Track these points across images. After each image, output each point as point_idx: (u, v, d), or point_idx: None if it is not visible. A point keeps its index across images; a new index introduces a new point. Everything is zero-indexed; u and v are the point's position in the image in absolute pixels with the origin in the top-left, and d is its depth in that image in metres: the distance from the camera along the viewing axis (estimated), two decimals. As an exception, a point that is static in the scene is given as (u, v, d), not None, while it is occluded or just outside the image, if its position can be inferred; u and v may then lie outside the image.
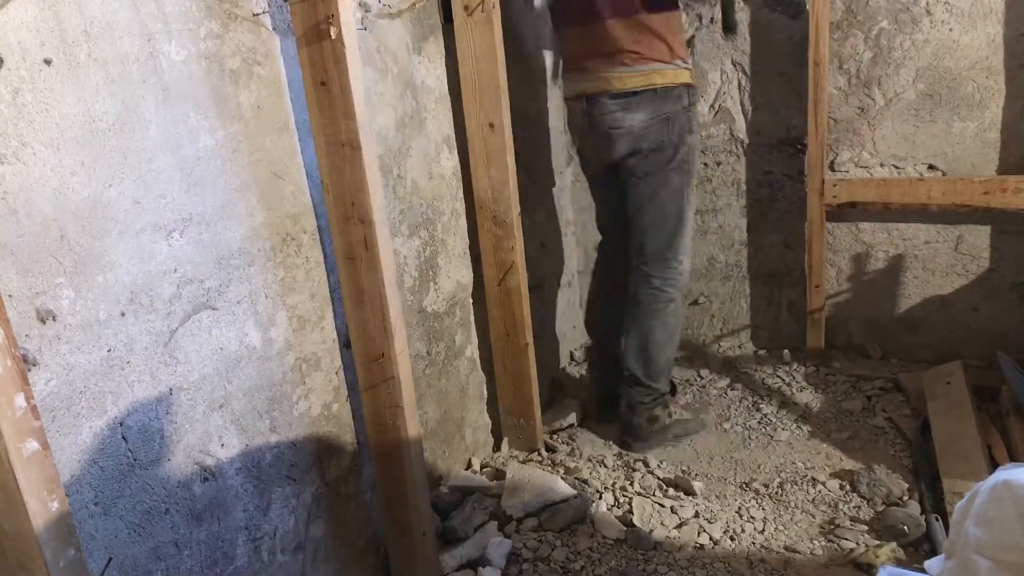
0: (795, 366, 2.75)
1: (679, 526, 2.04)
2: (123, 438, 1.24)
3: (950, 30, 2.37)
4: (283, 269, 1.54)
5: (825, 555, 1.90)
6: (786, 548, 1.93)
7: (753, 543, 1.97)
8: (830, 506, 2.06)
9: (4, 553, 1.01)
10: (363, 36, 1.75)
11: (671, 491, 2.18)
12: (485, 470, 2.30)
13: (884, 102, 2.51)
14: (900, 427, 2.35)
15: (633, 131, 2.16)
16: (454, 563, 1.90)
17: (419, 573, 1.80)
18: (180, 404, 1.34)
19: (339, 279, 1.65)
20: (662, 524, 2.05)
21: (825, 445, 2.32)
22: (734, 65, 2.66)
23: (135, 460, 1.26)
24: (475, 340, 2.31)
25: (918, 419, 2.35)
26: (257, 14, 1.45)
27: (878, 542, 1.90)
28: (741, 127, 2.71)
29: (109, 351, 1.21)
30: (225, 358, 1.42)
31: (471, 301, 2.27)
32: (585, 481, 2.22)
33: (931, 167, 2.52)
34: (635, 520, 2.05)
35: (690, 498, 2.14)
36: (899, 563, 1.81)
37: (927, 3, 2.37)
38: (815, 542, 1.94)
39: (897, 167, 2.56)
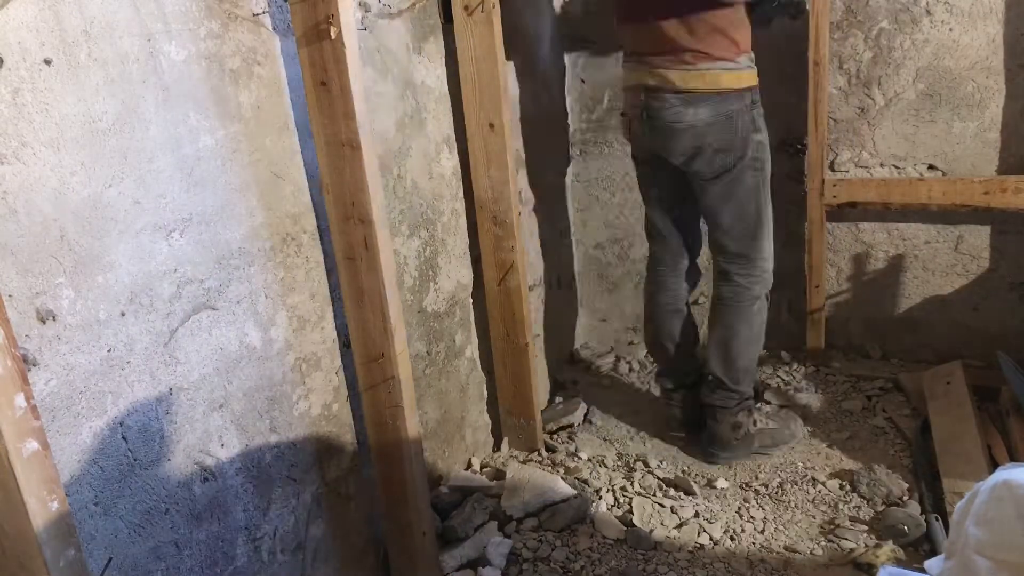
0: (795, 366, 2.75)
1: (679, 526, 2.04)
2: (123, 438, 1.24)
3: (950, 30, 2.37)
4: (283, 269, 1.54)
5: (825, 555, 1.90)
6: (786, 548, 1.93)
7: (753, 543, 1.97)
8: (830, 506, 2.06)
9: (4, 553, 1.01)
10: (363, 36, 1.75)
11: (671, 491, 2.18)
12: (485, 470, 2.30)
13: (884, 102, 2.51)
14: (900, 427, 2.35)
15: (696, 127, 2.02)
16: (454, 563, 1.90)
17: (419, 573, 1.80)
18: (180, 404, 1.34)
19: (339, 279, 1.65)
20: (662, 524, 2.05)
21: (825, 445, 2.32)
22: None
23: (135, 460, 1.26)
24: (475, 340, 2.31)
25: (918, 419, 2.35)
26: (257, 14, 1.45)
27: (878, 542, 1.90)
28: (741, 127, 2.71)
29: (109, 351, 1.21)
30: (225, 358, 1.42)
31: (471, 301, 2.27)
32: (585, 481, 2.22)
33: (931, 167, 2.52)
34: (635, 520, 2.05)
35: (690, 498, 2.14)
36: (899, 563, 1.81)
37: (927, 3, 2.37)
38: (815, 542, 1.94)
39: (897, 167, 2.56)
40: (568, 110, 2.88)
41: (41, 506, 0.98)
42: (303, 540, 1.64)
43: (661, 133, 2.08)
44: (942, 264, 2.59)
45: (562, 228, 2.90)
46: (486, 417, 2.40)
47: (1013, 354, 2.29)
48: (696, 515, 2.07)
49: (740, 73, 2.01)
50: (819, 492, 2.11)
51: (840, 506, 2.05)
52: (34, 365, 1.10)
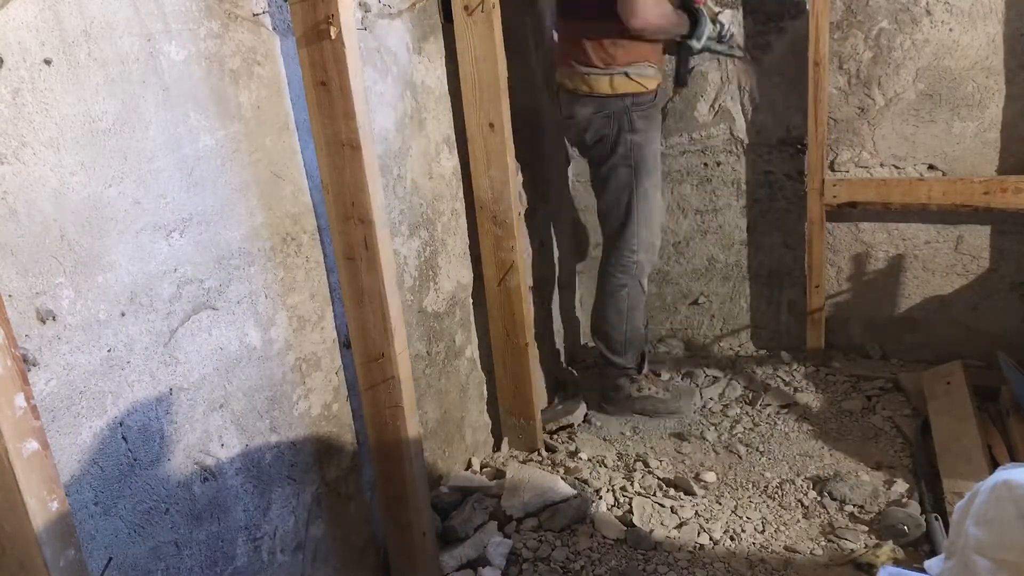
0: (795, 366, 2.75)
1: (679, 526, 2.04)
2: (123, 438, 1.24)
3: (950, 30, 2.37)
4: (283, 269, 1.54)
5: (825, 555, 1.90)
6: (786, 548, 1.93)
7: (753, 543, 1.97)
8: (830, 506, 2.06)
9: (4, 553, 1.01)
10: (363, 36, 1.75)
11: (671, 491, 2.18)
12: (485, 470, 2.30)
13: (884, 102, 2.51)
14: (900, 427, 2.35)
15: (580, 123, 2.37)
16: (454, 563, 1.90)
17: (419, 573, 1.80)
18: (180, 404, 1.34)
19: (339, 279, 1.65)
20: (662, 524, 2.05)
21: (825, 445, 2.32)
22: (734, 65, 2.65)
23: (135, 460, 1.26)
24: (475, 340, 2.31)
25: (918, 419, 2.35)
26: (257, 14, 1.45)
27: (878, 542, 1.90)
28: (741, 127, 2.71)
29: (109, 351, 1.21)
30: (225, 358, 1.42)
31: (471, 301, 2.28)
32: (585, 481, 2.22)
33: (931, 167, 2.52)
34: (635, 520, 2.05)
35: (690, 498, 2.14)
36: (899, 563, 1.81)
37: (927, 3, 2.37)
38: (815, 542, 1.94)
39: (897, 167, 2.56)
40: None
41: (41, 506, 0.98)
42: (303, 540, 1.64)
43: (564, 126, 2.50)
44: (942, 264, 2.59)
45: (562, 228, 2.90)
46: (486, 417, 2.40)
47: (1013, 354, 2.29)
48: (696, 515, 2.07)
49: (616, 80, 2.29)
50: (819, 492, 2.11)
51: (840, 506, 2.05)
52: (34, 365, 1.10)
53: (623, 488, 2.20)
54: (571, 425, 2.54)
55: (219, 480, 1.43)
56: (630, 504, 2.13)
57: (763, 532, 2.00)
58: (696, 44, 2.34)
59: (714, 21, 2.39)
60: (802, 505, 2.08)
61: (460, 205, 2.18)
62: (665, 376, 2.75)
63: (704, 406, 2.60)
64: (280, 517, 1.57)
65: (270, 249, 1.51)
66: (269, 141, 1.50)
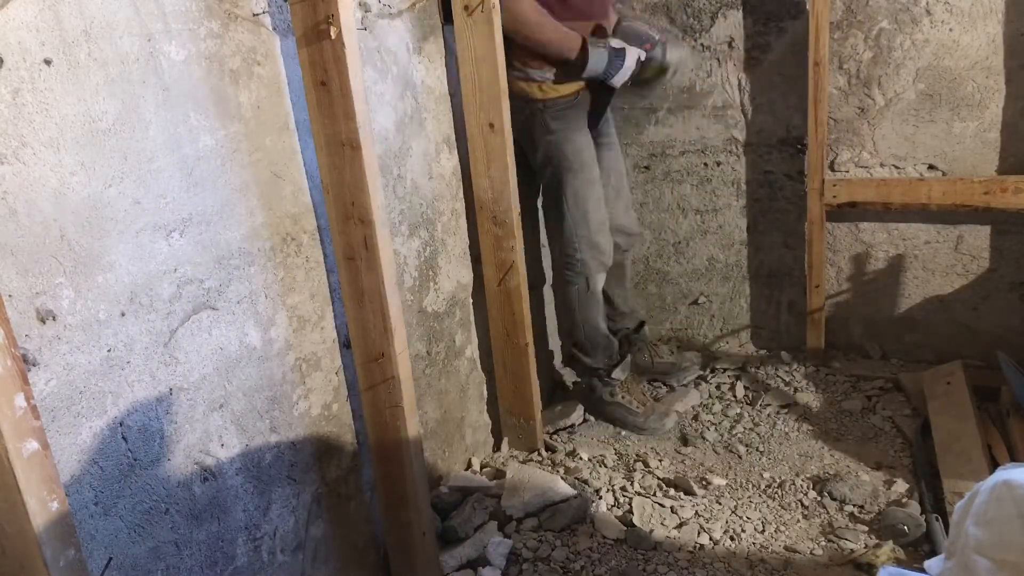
0: (795, 366, 2.75)
1: (679, 526, 2.04)
2: (123, 438, 1.24)
3: (950, 30, 2.37)
4: (283, 269, 1.54)
5: (825, 555, 1.90)
6: (786, 548, 1.93)
7: (753, 543, 1.97)
8: (830, 506, 2.06)
9: (4, 553, 1.01)
10: (363, 36, 1.75)
11: (671, 491, 2.18)
12: (485, 470, 2.30)
13: (884, 102, 2.51)
14: (900, 427, 2.35)
15: (514, 126, 2.21)
16: (454, 563, 1.90)
17: (419, 573, 1.80)
18: (180, 404, 1.34)
19: (339, 279, 1.65)
20: (662, 524, 2.05)
21: (825, 445, 2.32)
22: (734, 65, 2.66)
23: (135, 460, 1.26)
24: (475, 340, 2.31)
25: (918, 419, 2.35)
26: (257, 14, 1.45)
27: (878, 542, 1.90)
28: (741, 127, 2.71)
29: (109, 351, 1.21)
30: (225, 358, 1.42)
31: (471, 301, 2.28)
32: (585, 481, 2.22)
33: (931, 167, 2.52)
34: (635, 520, 2.05)
35: (690, 498, 2.14)
36: (899, 563, 1.81)
37: (927, 3, 2.37)
38: (815, 542, 1.95)
39: (897, 167, 2.56)
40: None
41: (41, 506, 0.98)
42: (303, 540, 1.64)
43: None
44: (942, 264, 2.59)
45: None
46: (486, 417, 2.40)
47: (1013, 354, 2.29)
48: (696, 515, 2.07)
49: (530, 85, 2.26)
50: (819, 492, 2.11)
51: (840, 506, 2.05)
52: (34, 365, 1.10)
53: (623, 488, 2.20)
54: (571, 425, 2.54)
55: (219, 480, 1.43)
56: (630, 504, 2.13)
57: (763, 532, 2.00)
58: (615, 84, 2.26)
59: (619, 56, 2.24)
60: (802, 505, 2.08)
61: (460, 205, 2.18)
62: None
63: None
64: (280, 517, 1.57)
65: (270, 249, 1.51)
66: (269, 141, 1.50)
